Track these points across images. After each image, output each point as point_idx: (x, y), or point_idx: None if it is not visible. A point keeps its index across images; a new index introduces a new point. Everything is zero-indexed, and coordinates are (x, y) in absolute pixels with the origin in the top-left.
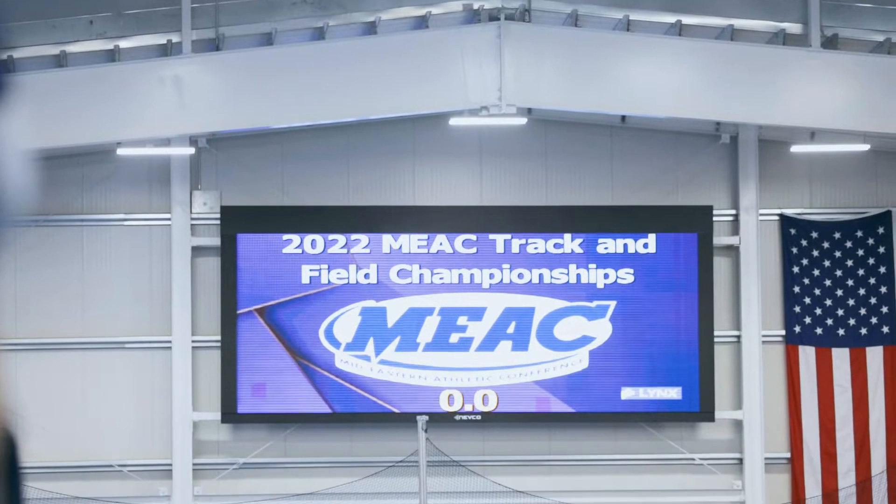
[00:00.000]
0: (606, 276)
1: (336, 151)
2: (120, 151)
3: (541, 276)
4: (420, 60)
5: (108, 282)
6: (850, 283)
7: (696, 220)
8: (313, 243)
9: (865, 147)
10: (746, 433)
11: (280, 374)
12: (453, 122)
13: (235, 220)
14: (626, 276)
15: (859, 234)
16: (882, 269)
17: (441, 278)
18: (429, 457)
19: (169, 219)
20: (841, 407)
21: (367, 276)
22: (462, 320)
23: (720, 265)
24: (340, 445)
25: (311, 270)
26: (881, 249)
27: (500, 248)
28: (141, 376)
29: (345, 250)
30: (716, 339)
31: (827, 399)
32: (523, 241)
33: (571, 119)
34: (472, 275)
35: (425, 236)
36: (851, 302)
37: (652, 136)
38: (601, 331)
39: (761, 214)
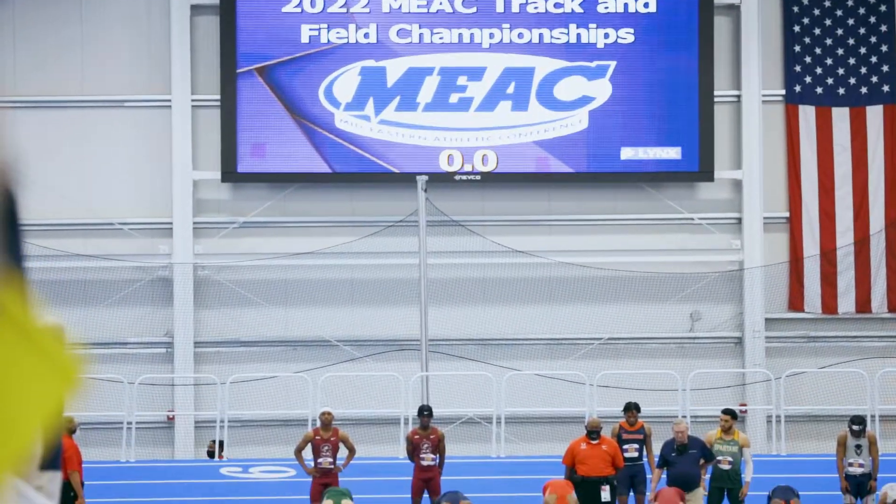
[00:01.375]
0: (607, 35)
1: None
2: None
3: (541, 35)
4: None
5: (106, 40)
6: (851, 42)
7: None
8: (312, 2)
9: None
10: (746, 193)
11: (280, 133)
12: None
13: None
14: (627, 35)
15: None
16: (883, 28)
17: (441, 38)
18: (428, 216)
19: None
20: (840, 166)
21: (366, 35)
22: (462, 80)
23: (721, 24)
24: (340, 205)
25: (310, 29)
26: (882, 8)
27: (499, 8)
28: (140, 135)
29: (344, 9)
30: (716, 99)
31: (826, 158)
32: (523, 1)
33: None
34: (471, 34)
35: None
36: (852, 61)
37: None
38: (601, 91)
39: None
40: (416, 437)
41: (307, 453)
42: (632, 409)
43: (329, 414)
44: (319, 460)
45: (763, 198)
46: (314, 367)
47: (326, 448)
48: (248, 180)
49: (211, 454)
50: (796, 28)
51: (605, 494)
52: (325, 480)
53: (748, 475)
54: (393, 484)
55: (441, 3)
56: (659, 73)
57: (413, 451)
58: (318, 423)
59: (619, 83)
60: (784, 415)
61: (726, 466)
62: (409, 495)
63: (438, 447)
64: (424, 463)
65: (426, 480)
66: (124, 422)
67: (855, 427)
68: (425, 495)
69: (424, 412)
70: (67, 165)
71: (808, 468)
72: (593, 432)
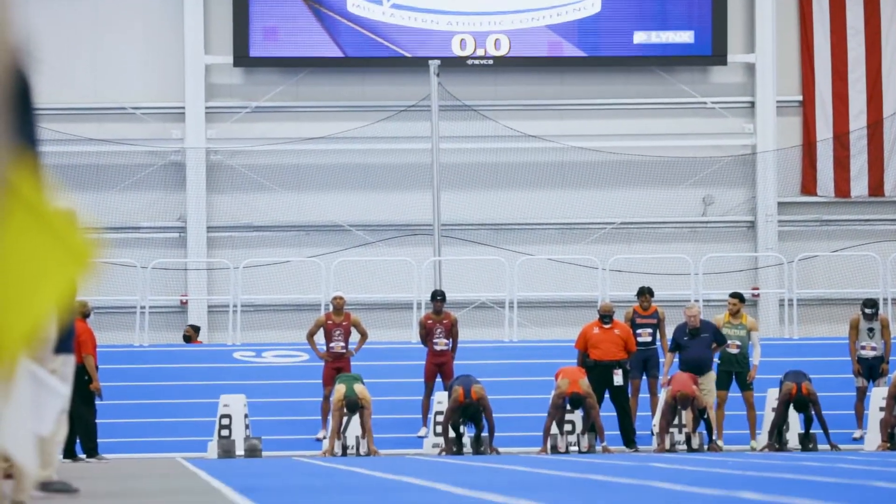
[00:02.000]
0: None
1: None
2: None
3: None
4: None
5: None
6: None
7: None
8: None
9: None
10: (759, 76)
11: (292, 18)
12: None
13: None
14: None
15: None
16: None
17: None
18: (441, 101)
19: None
20: (853, 49)
21: None
22: None
23: None
24: (352, 90)
25: None
26: None
27: None
28: (153, 19)
29: None
30: None
31: (839, 41)
32: None
33: None
34: None
35: None
36: None
37: None
38: None
39: None
40: (430, 321)
41: (319, 338)
42: (645, 293)
43: (341, 298)
44: (332, 345)
45: (776, 81)
46: (327, 252)
47: (338, 332)
48: (261, 65)
49: (187, 339)
50: None
51: (618, 378)
52: (337, 364)
53: (756, 358)
54: (405, 368)
55: None
56: None
57: (426, 335)
58: (331, 308)
59: None
60: (796, 298)
61: (734, 350)
62: (423, 379)
63: (451, 332)
64: (437, 347)
65: (439, 365)
66: (137, 306)
67: (867, 310)
68: (438, 379)
69: (437, 297)
70: (79, 49)
71: (821, 351)
72: (606, 316)
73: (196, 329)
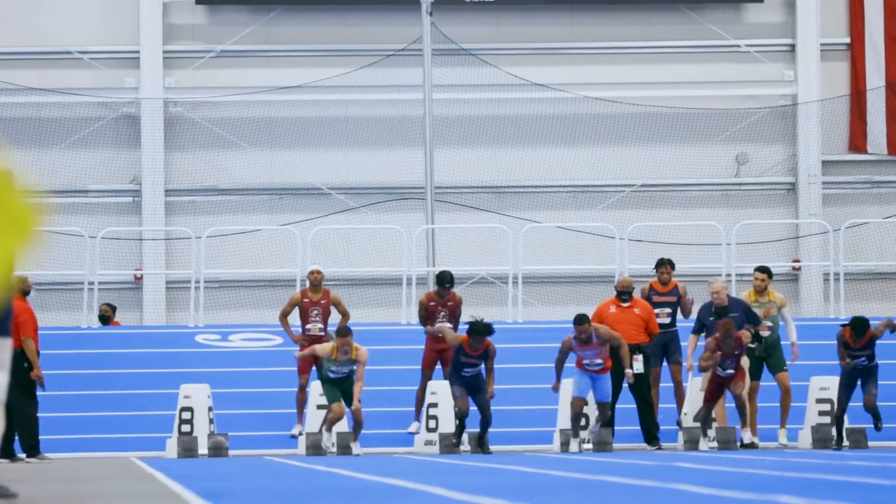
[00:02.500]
0: None
1: None
2: None
3: None
4: None
5: None
6: None
7: None
8: None
9: None
10: (800, 15)
11: None
12: None
13: None
14: None
15: None
16: None
17: None
18: (434, 44)
19: None
20: None
21: None
22: None
23: None
24: (333, 31)
25: None
26: None
27: None
28: None
29: None
30: None
31: None
32: None
33: None
34: None
35: None
36: None
37: None
38: None
39: None
40: (432, 303)
41: (294, 318)
42: (665, 264)
43: (319, 273)
44: (308, 326)
45: (820, 21)
46: (303, 220)
47: (316, 312)
48: (227, 2)
49: (103, 318)
50: None
51: (638, 365)
52: None
53: (792, 335)
54: (395, 353)
55: None
56: None
57: (427, 318)
58: (307, 284)
59: None
60: (843, 272)
61: (765, 332)
62: (420, 367)
63: (455, 313)
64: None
65: (440, 351)
66: (85, 282)
67: None
68: (438, 366)
69: (446, 283)
70: None
71: None
72: (624, 293)
73: (113, 308)
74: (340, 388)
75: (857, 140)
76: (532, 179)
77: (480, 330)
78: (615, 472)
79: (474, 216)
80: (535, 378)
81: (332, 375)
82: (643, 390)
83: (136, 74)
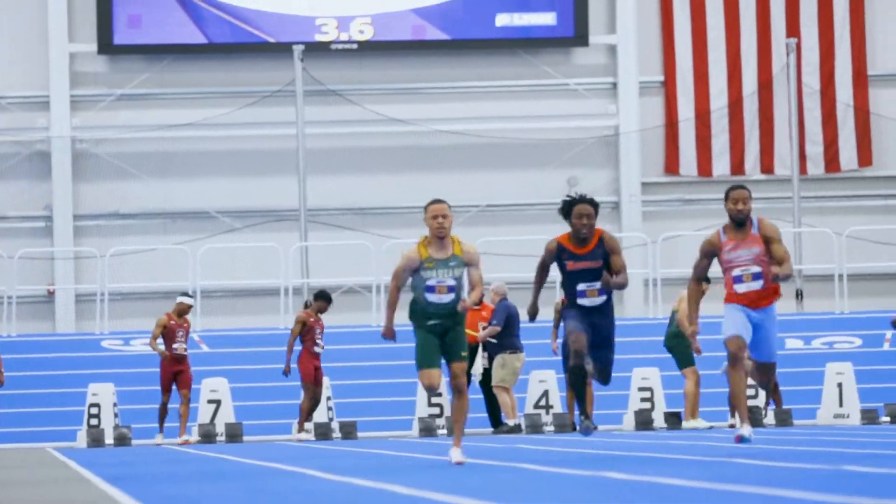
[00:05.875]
0: None
1: None
2: None
3: None
4: None
5: None
6: None
7: None
8: None
9: None
10: (621, 57)
11: (156, 4)
12: None
13: None
14: None
15: None
16: None
17: None
18: (305, 86)
19: None
20: (713, 29)
21: None
22: None
23: None
24: (217, 76)
25: None
26: None
27: None
28: (15, 6)
29: None
30: None
31: (699, 21)
32: None
33: None
34: None
35: None
36: None
37: None
38: None
39: None
40: (311, 319)
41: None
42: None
43: (189, 306)
44: (175, 346)
45: (638, 62)
46: (194, 239)
47: (181, 333)
48: (125, 52)
49: None
50: None
51: (483, 361)
52: (177, 368)
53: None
54: (274, 355)
55: None
56: None
57: (305, 333)
58: (197, 293)
59: None
60: (661, 278)
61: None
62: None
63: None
64: (317, 349)
65: (318, 368)
66: (4, 296)
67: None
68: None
69: (326, 299)
70: None
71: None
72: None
73: None
74: (442, 341)
75: (672, 164)
76: (392, 202)
77: None
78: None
79: (342, 234)
80: (395, 373)
81: (431, 300)
82: (490, 384)
83: (46, 116)
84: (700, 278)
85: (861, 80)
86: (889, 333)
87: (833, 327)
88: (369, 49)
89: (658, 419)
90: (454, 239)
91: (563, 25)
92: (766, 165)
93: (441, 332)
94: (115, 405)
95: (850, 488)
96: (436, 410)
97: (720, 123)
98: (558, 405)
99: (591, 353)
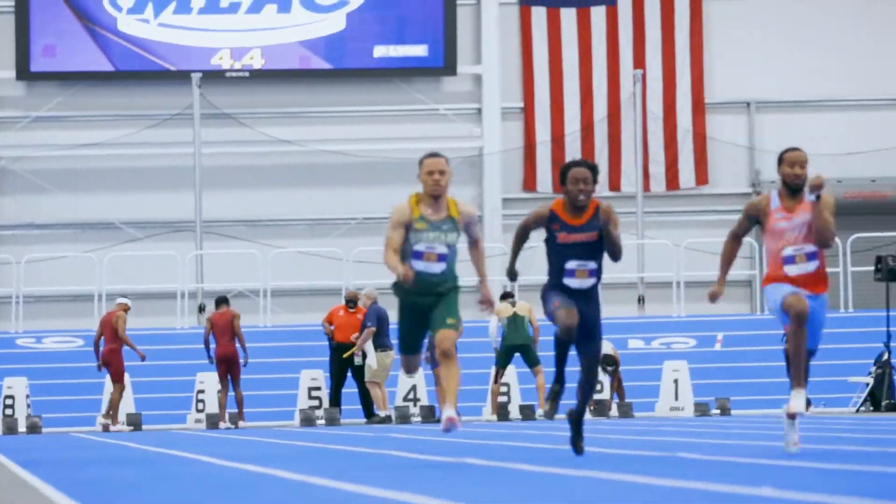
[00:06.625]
0: None
1: None
2: None
3: None
4: None
5: None
6: None
7: None
8: None
9: None
10: (485, 86)
11: (69, 35)
12: None
13: None
14: None
15: None
16: None
17: None
18: (202, 110)
19: None
20: (568, 61)
21: None
22: None
23: None
24: (123, 100)
25: None
26: None
27: None
28: None
29: None
30: (458, 2)
31: (556, 54)
32: None
33: None
34: None
35: None
36: None
37: None
38: None
39: None
40: (217, 318)
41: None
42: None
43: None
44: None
45: (500, 90)
46: (100, 248)
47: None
48: (41, 78)
49: None
50: None
51: (357, 359)
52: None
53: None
54: (173, 352)
55: None
56: None
57: (210, 334)
58: (103, 299)
59: None
60: (518, 283)
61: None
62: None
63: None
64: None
65: (228, 362)
66: None
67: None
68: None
69: (225, 302)
70: None
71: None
72: (350, 302)
73: None
74: (426, 318)
75: (530, 181)
76: (279, 215)
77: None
78: (342, 441)
79: (234, 244)
80: (280, 369)
81: (418, 269)
82: (362, 378)
83: None
84: (737, 235)
85: (699, 107)
86: (720, 335)
87: (670, 329)
88: (260, 77)
89: (514, 411)
90: (451, 200)
91: (434, 56)
92: (614, 183)
93: (430, 305)
94: (27, 397)
95: (684, 474)
96: (315, 403)
97: (573, 145)
98: (425, 398)
99: (577, 347)
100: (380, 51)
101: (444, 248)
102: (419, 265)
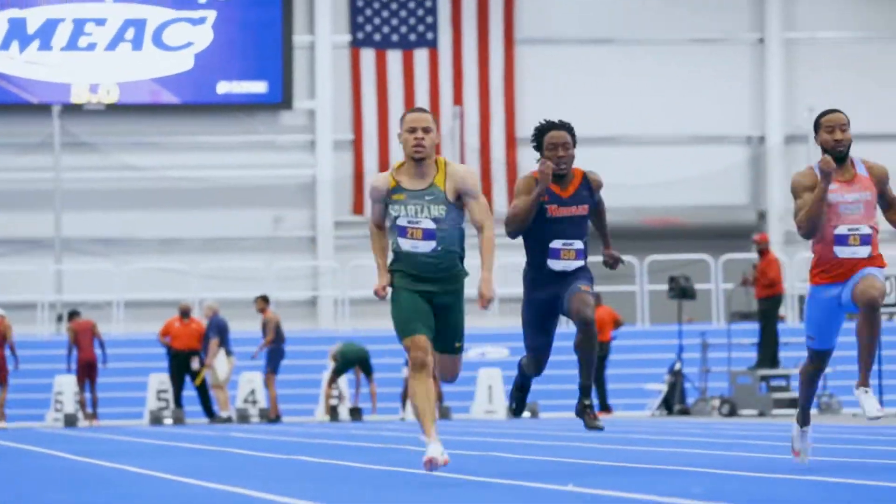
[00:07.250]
0: None
1: None
2: None
3: None
4: None
5: None
6: None
7: None
8: None
9: None
10: (319, 119)
11: None
12: None
13: None
14: None
15: None
16: None
17: None
18: (63, 138)
19: None
20: (393, 97)
21: None
22: (89, 27)
23: None
24: None
25: None
26: None
27: None
28: None
29: None
30: (295, 43)
31: (383, 91)
32: None
33: None
34: None
35: None
36: (403, 13)
37: None
38: (204, 36)
39: None
40: (77, 326)
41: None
42: (258, 299)
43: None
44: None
45: (332, 123)
46: None
47: None
48: None
49: None
50: None
51: (195, 364)
52: None
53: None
54: (37, 357)
55: None
56: (250, 22)
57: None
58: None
59: (218, 29)
60: (349, 298)
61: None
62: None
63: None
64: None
65: (90, 367)
66: None
67: None
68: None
69: (76, 314)
70: None
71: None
72: (184, 313)
73: None
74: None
75: (358, 206)
76: (132, 234)
77: None
78: (186, 440)
79: (91, 259)
80: (131, 374)
81: (405, 250)
82: (202, 384)
83: None
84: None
85: (511, 141)
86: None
87: (486, 340)
88: (115, 109)
89: (343, 413)
90: (439, 162)
91: (273, 92)
92: None
93: (431, 297)
94: None
95: (496, 472)
96: (163, 404)
97: None
98: (262, 400)
99: (569, 315)
100: (223, 87)
101: (429, 222)
102: (405, 244)
